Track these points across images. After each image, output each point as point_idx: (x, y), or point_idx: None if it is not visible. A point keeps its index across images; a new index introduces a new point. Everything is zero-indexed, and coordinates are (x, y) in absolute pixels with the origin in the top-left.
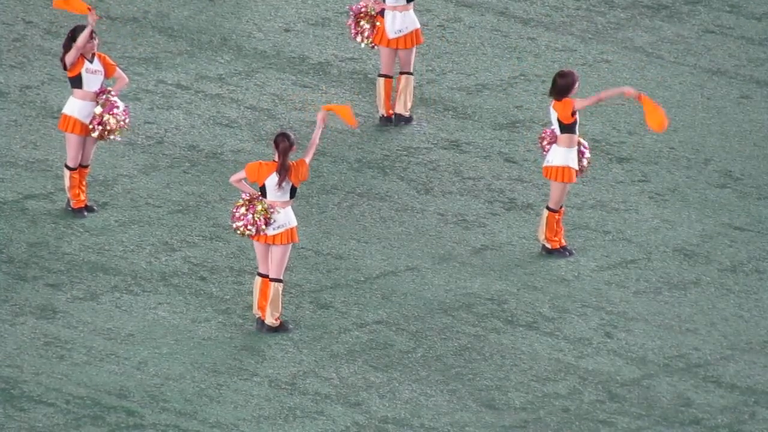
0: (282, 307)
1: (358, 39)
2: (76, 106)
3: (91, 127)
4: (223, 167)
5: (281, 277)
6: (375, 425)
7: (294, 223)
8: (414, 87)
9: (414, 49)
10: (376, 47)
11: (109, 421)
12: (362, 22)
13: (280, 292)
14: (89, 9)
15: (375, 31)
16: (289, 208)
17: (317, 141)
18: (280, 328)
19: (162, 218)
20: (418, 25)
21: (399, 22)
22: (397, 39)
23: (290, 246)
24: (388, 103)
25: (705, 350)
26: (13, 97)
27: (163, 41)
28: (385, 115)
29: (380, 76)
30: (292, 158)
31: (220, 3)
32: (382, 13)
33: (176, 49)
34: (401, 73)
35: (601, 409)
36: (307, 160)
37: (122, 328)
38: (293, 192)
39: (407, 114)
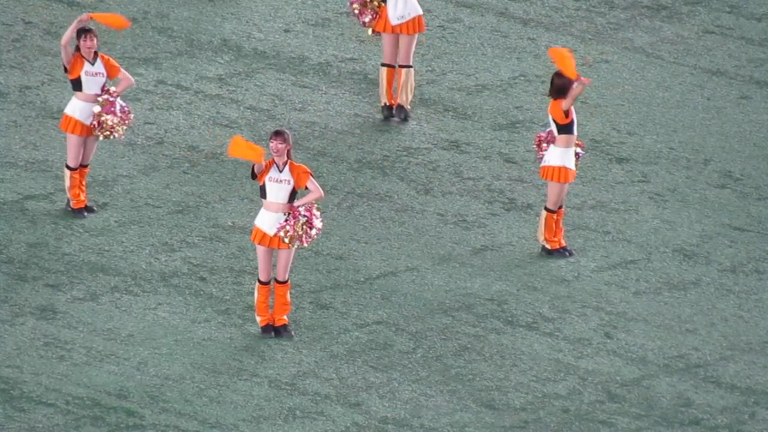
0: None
1: (366, 19)
2: (77, 107)
3: (92, 125)
4: (222, 168)
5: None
6: (375, 425)
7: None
8: (415, 81)
9: (415, 39)
10: (378, 35)
11: (108, 422)
12: (369, 7)
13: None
14: (89, 17)
15: (378, 18)
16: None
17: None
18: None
19: (162, 219)
20: (421, 12)
21: (401, 8)
22: (400, 25)
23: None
24: (390, 92)
25: (705, 350)
26: (12, 98)
27: (163, 41)
28: (388, 104)
29: (382, 65)
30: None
31: (220, 3)
32: (384, 1)
33: (176, 49)
34: (401, 66)
35: (601, 409)
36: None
37: (122, 328)
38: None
39: (408, 107)
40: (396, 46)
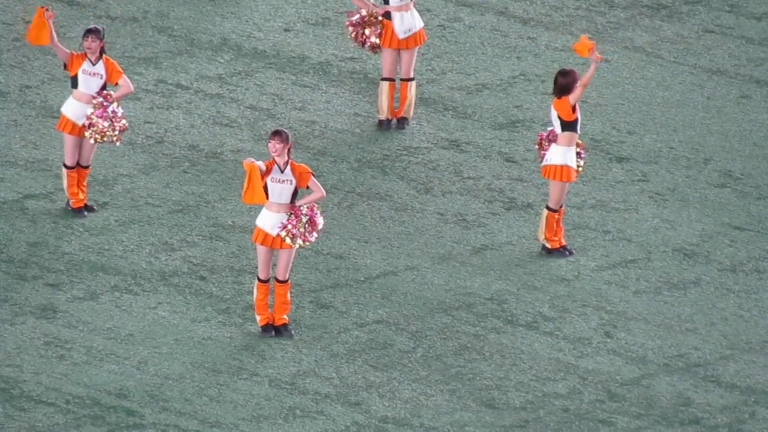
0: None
1: (366, 46)
2: (70, 107)
3: (84, 127)
4: (222, 167)
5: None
6: (375, 425)
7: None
8: (416, 93)
9: (416, 52)
10: (379, 51)
11: (108, 421)
12: (367, 30)
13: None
14: (43, 9)
15: (383, 34)
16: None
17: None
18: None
19: (162, 218)
20: (422, 24)
21: (408, 21)
22: (407, 39)
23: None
24: (392, 106)
25: (705, 350)
26: (13, 97)
27: (163, 41)
28: (389, 118)
29: (383, 79)
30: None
31: (220, 3)
32: (385, 15)
33: (176, 48)
34: (403, 80)
35: (601, 408)
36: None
37: (122, 327)
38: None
39: (410, 117)
40: (396, 61)
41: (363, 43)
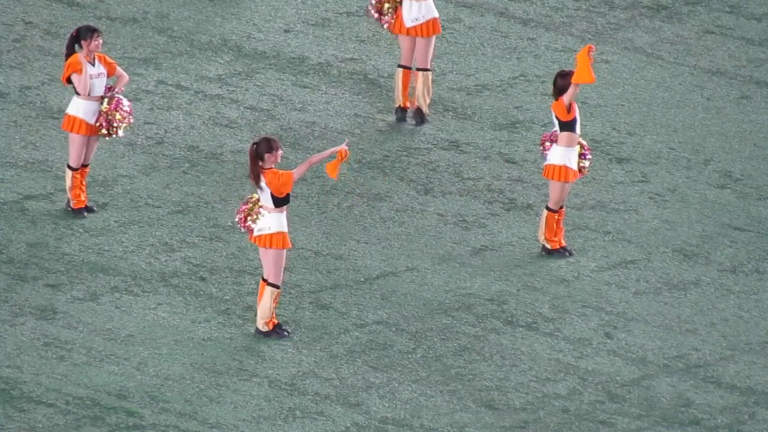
0: (273, 312)
1: (384, 23)
2: (80, 107)
3: (98, 125)
4: (222, 168)
5: (275, 282)
6: (375, 426)
7: (275, 229)
8: (432, 84)
9: (432, 42)
10: (395, 36)
11: (108, 422)
12: (386, 6)
13: (271, 297)
14: None
15: (395, 19)
16: (274, 215)
17: (315, 162)
18: (273, 333)
19: (162, 219)
20: (437, 14)
21: (416, 10)
22: (415, 27)
23: (273, 251)
24: (406, 94)
25: (705, 351)
26: (12, 98)
27: (163, 42)
28: (402, 107)
29: (399, 66)
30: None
31: (221, 3)
32: (401, 2)
33: (176, 49)
34: (418, 69)
35: (601, 409)
36: (295, 174)
37: (122, 328)
38: (276, 200)
39: (425, 111)
40: (412, 48)
41: (379, 18)
